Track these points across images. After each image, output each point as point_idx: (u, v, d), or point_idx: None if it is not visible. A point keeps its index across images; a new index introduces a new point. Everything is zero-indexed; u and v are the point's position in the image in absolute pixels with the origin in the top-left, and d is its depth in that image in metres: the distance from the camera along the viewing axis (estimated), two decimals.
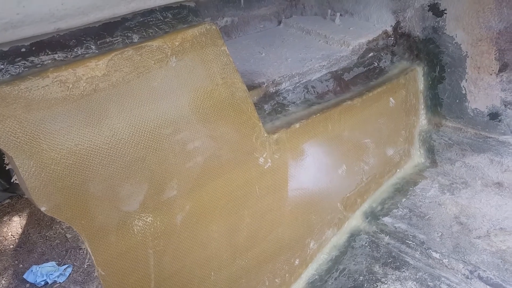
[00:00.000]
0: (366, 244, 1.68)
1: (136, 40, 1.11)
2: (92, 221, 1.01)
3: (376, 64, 2.05)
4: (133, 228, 1.09)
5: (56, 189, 0.94)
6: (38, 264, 3.18)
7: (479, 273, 1.45)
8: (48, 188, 0.93)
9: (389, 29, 2.09)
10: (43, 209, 0.92)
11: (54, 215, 0.94)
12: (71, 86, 0.96)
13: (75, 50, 1.03)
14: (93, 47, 1.05)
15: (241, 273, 1.41)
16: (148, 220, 1.11)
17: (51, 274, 3.07)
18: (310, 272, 1.64)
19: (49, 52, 0.98)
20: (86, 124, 0.99)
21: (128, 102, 1.05)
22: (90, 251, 1.02)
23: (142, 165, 1.08)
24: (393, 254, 1.61)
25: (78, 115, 0.97)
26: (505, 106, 1.81)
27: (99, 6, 0.87)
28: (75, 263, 3.24)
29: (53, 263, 3.20)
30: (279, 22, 2.39)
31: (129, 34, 1.10)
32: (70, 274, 3.14)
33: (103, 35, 1.07)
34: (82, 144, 0.98)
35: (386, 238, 1.68)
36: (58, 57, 0.99)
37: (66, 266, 3.17)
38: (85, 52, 1.04)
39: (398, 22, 2.06)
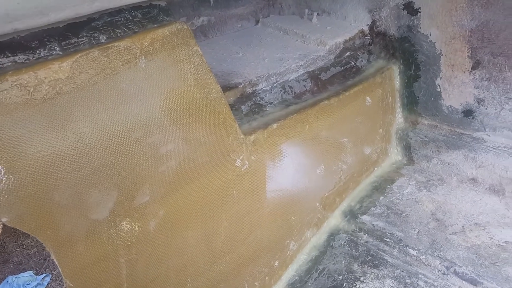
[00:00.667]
0: (345, 243, 1.68)
1: (103, 41, 1.07)
2: (58, 231, 0.97)
3: (353, 63, 2.05)
4: (102, 236, 1.04)
5: (17, 198, 0.89)
6: (15, 274, 3.08)
7: (455, 268, 1.46)
8: (9, 198, 0.88)
9: (366, 28, 2.09)
10: (4, 220, 0.88)
11: (16, 226, 0.90)
12: (32, 89, 0.91)
13: (37, 51, 0.98)
14: (57, 48, 1.01)
15: (219, 278, 1.38)
16: (118, 228, 1.07)
17: (28, 284, 2.97)
18: (290, 273, 1.63)
19: (9, 54, 0.94)
20: (50, 129, 0.94)
21: (95, 105, 1.00)
22: (57, 262, 0.97)
23: (111, 171, 1.04)
24: (371, 252, 1.61)
25: (41, 120, 0.93)
26: (478, 103, 1.83)
27: (59, 5, 0.83)
28: (53, 272, 3.15)
29: (30, 272, 3.10)
30: (257, 22, 2.37)
31: (96, 35, 1.06)
32: (48, 283, 3.05)
33: (68, 36, 1.03)
34: (45, 150, 0.93)
35: (365, 237, 1.68)
36: (19, 59, 0.95)
37: (44, 275, 3.08)
38: (49, 54, 0.99)
39: (374, 21, 2.06)
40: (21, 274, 3.07)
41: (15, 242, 3.38)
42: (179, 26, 1.18)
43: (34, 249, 3.35)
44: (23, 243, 3.38)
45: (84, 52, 0.99)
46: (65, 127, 0.96)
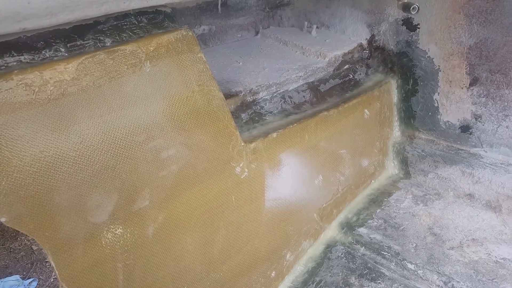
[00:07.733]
0: (342, 255, 1.67)
1: (108, 44, 1.07)
2: (57, 233, 0.95)
3: (352, 76, 2.07)
4: (101, 240, 1.03)
5: (18, 198, 0.88)
6: (1, 278, 3.01)
7: (453, 284, 1.46)
8: (9, 198, 0.87)
9: (364, 42, 2.12)
10: (2, 220, 0.86)
11: (15, 226, 0.88)
12: (37, 89, 0.91)
13: (43, 52, 0.98)
14: (63, 49, 1.01)
15: (216, 287, 1.36)
16: (117, 232, 1.06)
17: None
18: (286, 284, 1.61)
19: (15, 54, 0.94)
20: (53, 129, 0.93)
21: (99, 108, 1.00)
22: (54, 265, 0.96)
23: (112, 174, 1.03)
24: (368, 265, 1.60)
25: (44, 120, 0.92)
26: (476, 119, 1.86)
27: (68, 6, 0.83)
28: (41, 277, 3.09)
29: (17, 276, 3.04)
30: (257, 33, 2.39)
31: (102, 38, 1.07)
32: None
33: (74, 38, 1.03)
34: (47, 150, 0.92)
35: (362, 249, 1.68)
36: (24, 59, 0.95)
37: (31, 279, 3.02)
38: (54, 55, 0.99)
39: (373, 36, 2.09)
40: (7, 278, 3.01)
41: (2, 245, 3.32)
42: (184, 33, 1.18)
43: (21, 253, 3.29)
44: (11, 246, 3.32)
45: (90, 54, 0.99)
46: (68, 128, 0.95)
